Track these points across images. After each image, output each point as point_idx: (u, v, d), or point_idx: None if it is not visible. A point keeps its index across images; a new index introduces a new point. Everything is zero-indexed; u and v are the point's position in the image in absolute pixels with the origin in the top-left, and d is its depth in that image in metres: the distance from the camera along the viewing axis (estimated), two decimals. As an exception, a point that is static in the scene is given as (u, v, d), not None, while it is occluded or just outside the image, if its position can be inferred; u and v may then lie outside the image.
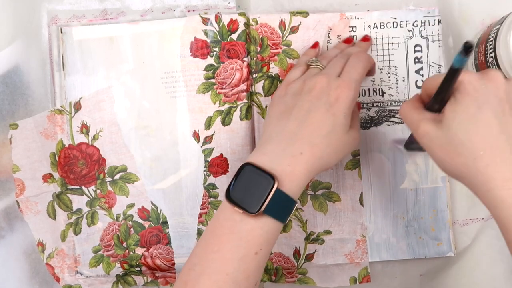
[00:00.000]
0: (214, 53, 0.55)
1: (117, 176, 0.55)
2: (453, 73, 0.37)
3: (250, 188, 0.41)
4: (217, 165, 0.55)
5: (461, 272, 0.56)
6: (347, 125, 0.45)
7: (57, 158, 0.55)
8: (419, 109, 0.42)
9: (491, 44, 0.51)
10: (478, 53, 0.53)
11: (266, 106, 0.55)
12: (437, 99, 0.40)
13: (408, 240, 0.55)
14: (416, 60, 0.56)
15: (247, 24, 0.55)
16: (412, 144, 0.51)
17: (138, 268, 0.55)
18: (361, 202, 0.55)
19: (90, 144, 0.55)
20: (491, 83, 0.38)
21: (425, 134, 0.40)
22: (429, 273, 0.56)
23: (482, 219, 0.56)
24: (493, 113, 0.37)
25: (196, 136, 0.55)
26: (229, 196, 0.42)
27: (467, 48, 0.34)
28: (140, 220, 0.55)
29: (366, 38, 0.55)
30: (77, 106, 0.55)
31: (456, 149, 0.38)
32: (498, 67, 0.50)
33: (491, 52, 0.50)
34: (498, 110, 0.38)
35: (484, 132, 0.37)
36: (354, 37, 0.56)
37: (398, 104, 0.56)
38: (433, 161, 0.41)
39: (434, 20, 0.56)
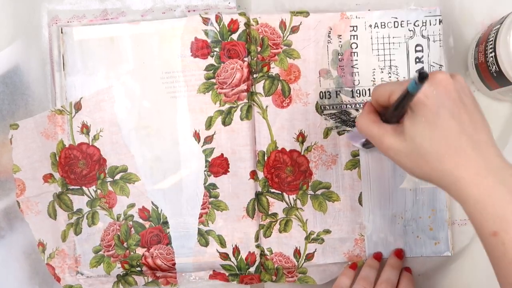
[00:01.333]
0: (215, 53, 0.56)
1: (117, 176, 0.56)
2: (409, 97, 0.38)
3: None
4: (217, 165, 0.56)
5: (459, 271, 0.57)
6: None
7: (57, 158, 0.56)
8: (377, 122, 0.43)
9: (491, 44, 0.51)
10: (478, 53, 0.54)
11: (267, 106, 0.56)
12: (394, 114, 0.41)
13: (405, 239, 0.56)
14: (417, 60, 0.56)
15: (247, 24, 0.56)
16: (370, 144, 0.52)
17: (138, 268, 0.56)
18: (360, 202, 0.56)
19: (90, 144, 0.56)
20: (440, 87, 0.39)
21: (389, 147, 0.41)
22: (426, 272, 0.57)
23: (482, 219, 0.57)
24: (450, 115, 0.39)
25: (196, 136, 0.56)
26: None
27: (422, 77, 0.35)
28: (140, 220, 0.56)
29: (399, 254, 0.56)
30: (78, 106, 0.56)
31: (423, 158, 0.39)
32: (498, 67, 0.50)
33: (491, 52, 0.51)
34: (454, 111, 0.39)
35: (445, 136, 0.38)
36: (355, 36, 0.56)
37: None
38: (402, 169, 0.42)
39: (435, 20, 0.56)
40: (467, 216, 0.40)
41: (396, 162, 0.42)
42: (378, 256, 0.56)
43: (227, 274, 0.56)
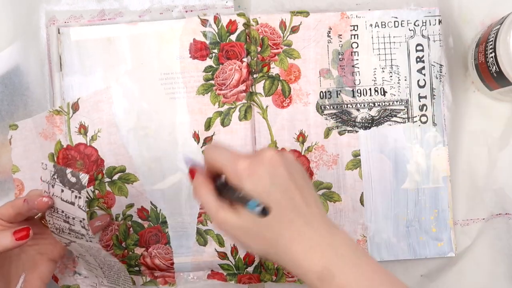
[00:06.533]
0: (213, 54, 0.58)
1: (115, 177, 0.58)
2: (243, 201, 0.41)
3: None
4: (216, 166, 0.58)
5: (462, 272, 0.59)
6: None
7: (55, 158, 0.58)
8: (213, 193, 0.43)
9: (491, 44, 0.53)
10: (478, 53, 0.56)
11: (267, 106, 0.59)
12: (228, 195, 0.43)
13: (408, 240, 0.58)
14: (418, 59, 0.59)
15: (246, 25, 0.58)
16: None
17: (137, 268, 0.58)
18: (361, 202, 0.59)
19: (88, 144, 0.58)
20: (269, 166, 0.42)
21: (224, 222, 0.42)
22: (429, 273, 0.59)
23: (483, 219, 0.59)
24: (281, 193, 0.42)
25: (196, 137, 0.58)
26: None
27: (264, 213, 0.39)
28: (139, 220, 0.58)
29: None
30: (75, 107, 0.58)
31: (259, 235, 0.42)
32: (498, 67, 0.53)
33: (491, 52, 0.53)
34: (285, 189, 0.42)
35: (278, 213, 0.41)
36: (356, 36, 0.59)
37: (400, 103, 0.59)
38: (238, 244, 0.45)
39: (435, 20, 0.59)
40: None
41: (231, 236, 0.43)
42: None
43: (225, 274, 0.58)
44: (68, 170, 0.48)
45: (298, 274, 0.41)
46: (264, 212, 0.39)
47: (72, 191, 0.47)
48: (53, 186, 0.48)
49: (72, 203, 0.48)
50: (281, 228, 0.41)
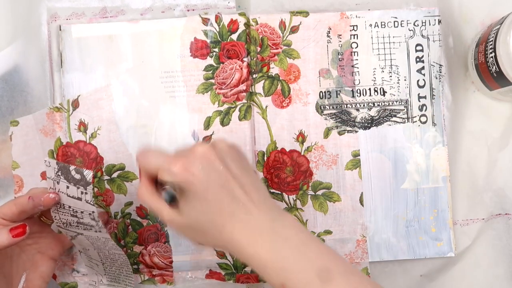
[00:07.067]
0: (214, 53, 0.59)
1: (114, 175, 0.58)
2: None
3: None
4: (216, 164, 0.59)
5: (462, 272, 0.59)
6: None
7: (55, 155, 0.58)
8: (155, 195, 0.45)
9: (491, 44, 0.54)
10: (478, 53, 0.57)
11: (266, 106, 0.59)
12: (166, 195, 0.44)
13: (408, 240, 0.59)
14: (418, 59, 0.60)
15: (247, 24, 0.59)
16: None
17: (135, 266, 0.58)
18: (361, 202, 0.59)
19: (87, 142, 0.58)
20: (204, 160, 0.43)
21: (170, 221, 0.44)
22: (429, 273, 0.59)
23: (483, 219, 0.59)
24: (218, 186, 0.43)
25: (195, 136, 0.59)
26: None
27: (171, 199, 0.42)
28: (138, 218, 0.58)
29: None
30: (75, 104, 0.59)
31: (202, 230, 0.43)
32: (498, 67, 0.53)
33: (491, 52, 0.54)
34: (221, 181, 0.43)
35: (218, 207, 0.43)
36: (355, 36, 0.60)
37: (400, 103, 0.59)
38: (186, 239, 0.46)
39: (434, 20, 0.60)
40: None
41: (179, 233, 0.45)
42: None
43: (223, 273, 0.58)
44: (72, 167, 0.48)
45: (248, 263, 0.43)
46: (172, 201, 0.42)
47: (78, 187, 0.48)
48: (58, 183, 0.49)
49: (79, 199, 0.48)
50: (223, 221, 0.43)
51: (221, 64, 0.59)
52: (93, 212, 0.49)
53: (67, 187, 0.49)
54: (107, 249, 0.53)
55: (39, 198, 0.48)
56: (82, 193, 0.48)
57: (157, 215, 0.45)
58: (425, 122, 0.59)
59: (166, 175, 0.43)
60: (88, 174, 0.48)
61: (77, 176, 0.48)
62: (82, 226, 0.50)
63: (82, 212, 0.49)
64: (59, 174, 0.49)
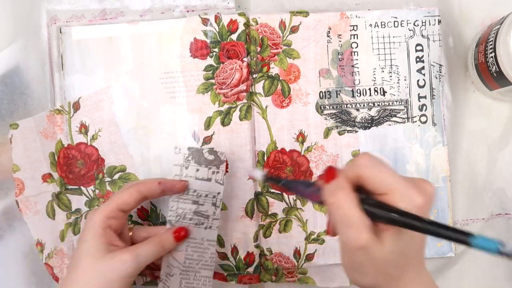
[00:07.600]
0: (214, 53, 0.59)
1: (116, 176, 0.59)
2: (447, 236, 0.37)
3: None
4: (216, 165, 0.59)
5: (462, 272, 0.59)
6: None
7: (56, 158, 0.58)
8: (360, 208, 0.37)
9: (491, 44, 0.54)
10: (478, 53, 0.57)
11: (266, 106, 0.59)
12: (383, 217, 0.38)
13: (408, 240, 0.59)
14: (418, 59, 0.60)
15: (247, 24, 0.59)
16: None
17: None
18: (361, 203, 0.59)
19: (89, 144, 0.59)
20: (430, 201, 0.39)
21: (363, 246, 0.37)
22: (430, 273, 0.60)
23: (483, 219, 0.60)
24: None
25: (195, 136, 0.59)
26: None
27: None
28: (139, 220, 0.59)
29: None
30: (76, 106, 0.59)
31: (382, 269, 0.39)
32: (498, 67, 0.53)
33: (491, 52, 0.54)
34: None
35: (419, 255, 0.41)
36: (355, 36, 0.60)
37: (400, 103, 0.60)
38: (348, 276, 0.43)
39: (434, 20, 0.60)
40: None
41: (351, 261, 0.40)
42: None
43: (225, 274, 0.59)
44: (205, 150, 0.53)
45: None
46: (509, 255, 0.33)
47: (210, 168, 0.52)
48: (187, 168, 0.52)
49: (209, 179, 0.52)
50: (407, 269, 0.39)
51: (221, 64, 0.59)
52: (218, 193, 0.52)
53: (197, 170, 0.52)
54: (204, 259, 0.53)
55: (171, 184, 0.51)
56: (213, 172, 0.52)
57: (345, 229, 0.37)
58: (425, 122, 0.60)
59: (403, 202, 0.37)
60: (222, 154, 0.53)
61: (210, 157, 0.52)
62: (195, 218, 0.52)
63: (206, 196, 0.52)
64: (189, 159, 0.52)
